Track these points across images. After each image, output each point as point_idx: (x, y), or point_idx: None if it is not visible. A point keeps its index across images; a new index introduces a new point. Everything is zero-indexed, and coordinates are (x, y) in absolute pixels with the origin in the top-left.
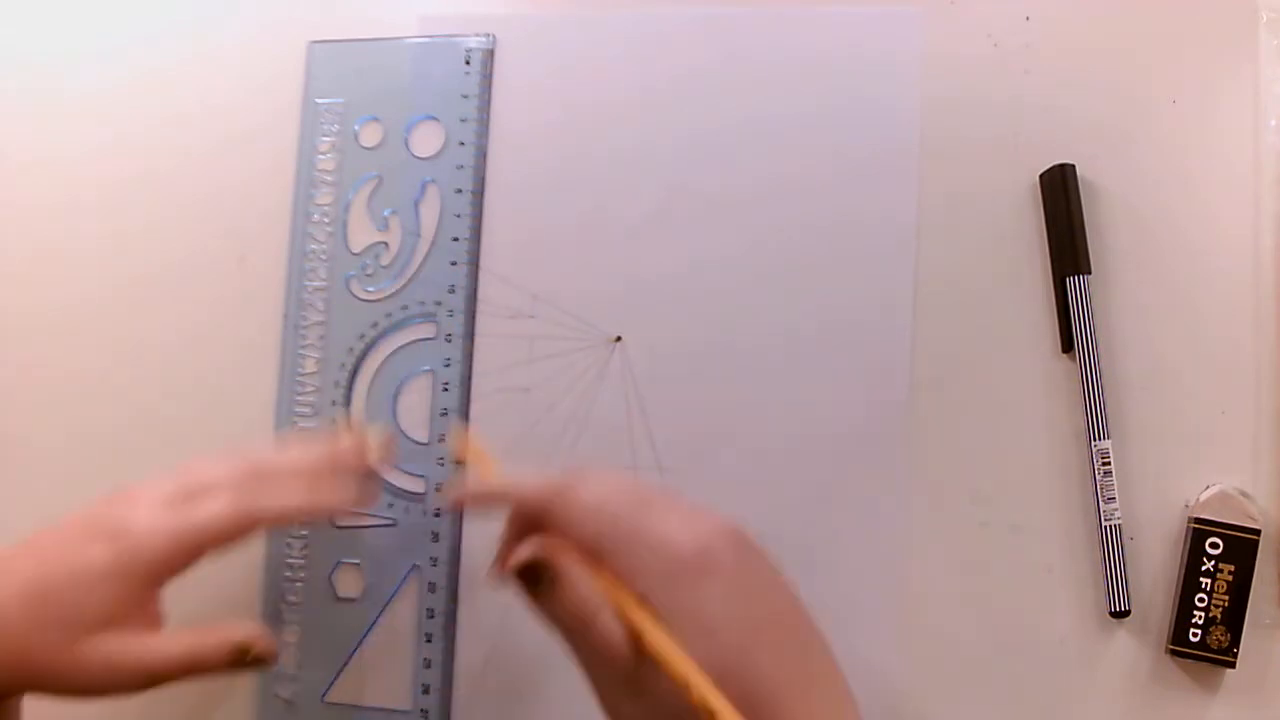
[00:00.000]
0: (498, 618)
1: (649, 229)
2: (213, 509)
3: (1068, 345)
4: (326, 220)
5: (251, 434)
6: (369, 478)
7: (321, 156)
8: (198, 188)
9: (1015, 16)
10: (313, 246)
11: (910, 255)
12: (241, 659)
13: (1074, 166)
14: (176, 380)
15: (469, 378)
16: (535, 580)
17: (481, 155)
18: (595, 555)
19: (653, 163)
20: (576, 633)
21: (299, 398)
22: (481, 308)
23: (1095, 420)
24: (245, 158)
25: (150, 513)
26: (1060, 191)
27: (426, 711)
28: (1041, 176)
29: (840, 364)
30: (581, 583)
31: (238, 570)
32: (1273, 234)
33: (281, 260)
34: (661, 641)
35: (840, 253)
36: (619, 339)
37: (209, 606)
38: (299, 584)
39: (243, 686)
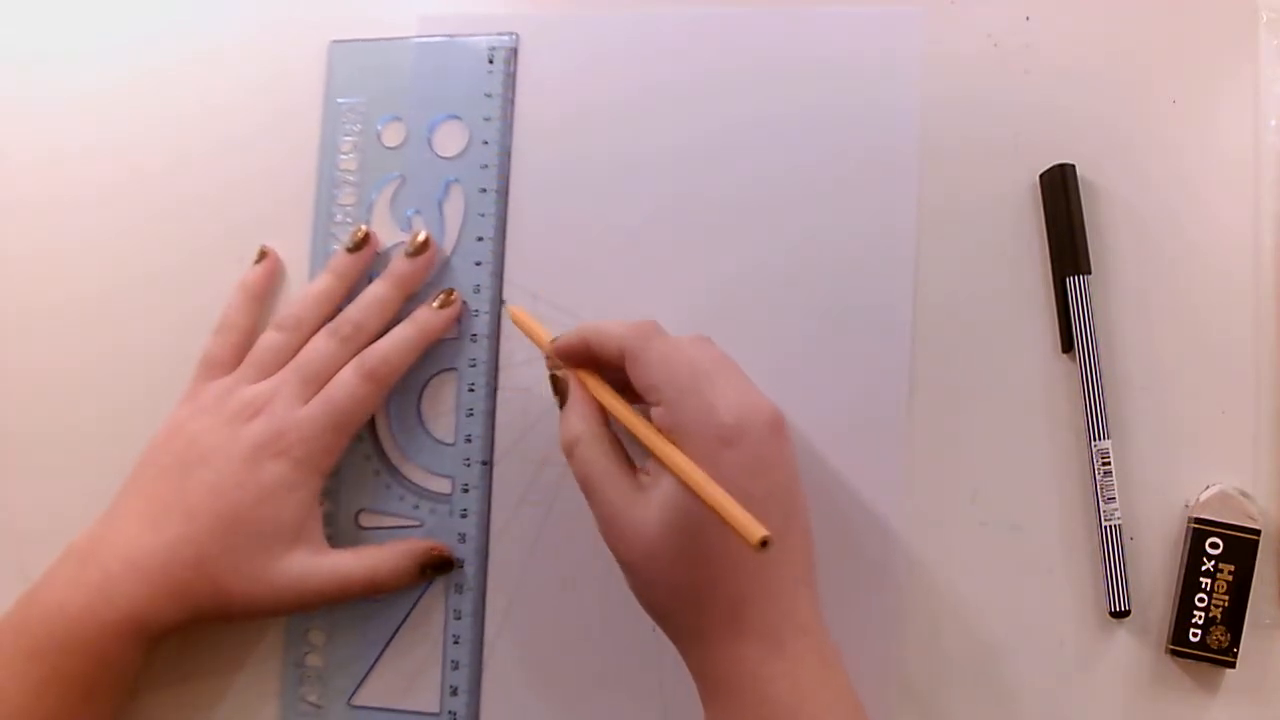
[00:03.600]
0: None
1: (649, 229)
2: (348, 387)
3: (1068, 345)
4: (349, 220)
5: None
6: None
7: (343, 156)
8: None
9: (1015, 16)
10: (335, 247)
11: (910, 255)
12: (427, 569)
13: (1074, 166)
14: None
15: (495, 378)
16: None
17: (505, 154)
18: (651, 400)
19: (653, 164)
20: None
21: None
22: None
23: (1095, 420)
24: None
25: (299, 414)
26: (1060, 191)
27: (454, 714)
28: (1041, 176)
29: (840, 364)
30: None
31: None
32: (1273, 234)
33: (304, 261)
34: (669, 451)
35: (840, 252)
36: None
37: None
38: None
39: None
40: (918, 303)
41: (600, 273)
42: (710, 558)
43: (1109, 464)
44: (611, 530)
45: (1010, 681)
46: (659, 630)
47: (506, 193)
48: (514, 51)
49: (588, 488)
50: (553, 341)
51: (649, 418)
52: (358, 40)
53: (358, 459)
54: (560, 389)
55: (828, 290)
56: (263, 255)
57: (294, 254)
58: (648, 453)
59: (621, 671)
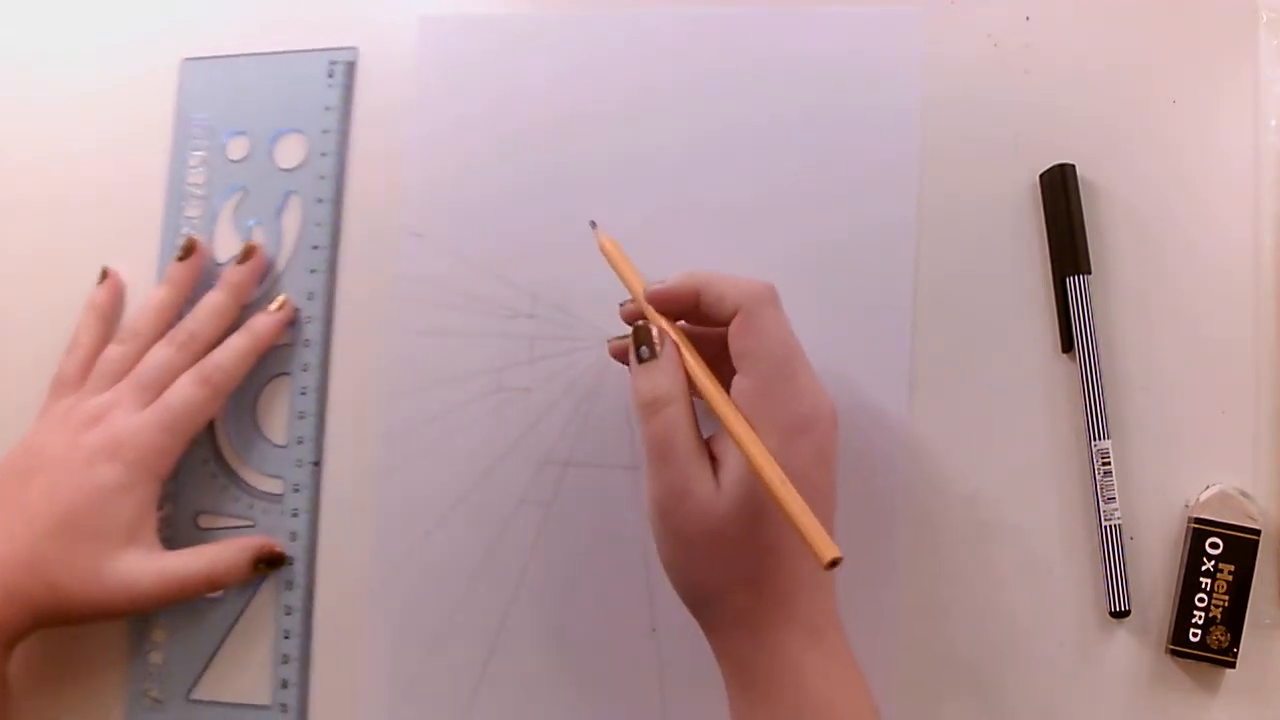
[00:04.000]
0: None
1: (649, 230)
2: (184, 393)
3: (1068, 345)
4: (195, 233)
5: None
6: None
7: (192, 170)
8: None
9: (1015, 16)
10: None
11: (910, 255)
12: (260, 564)
13: (1074, 166)
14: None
15: (326, 382)
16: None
17: (342, 165)
18: (739, 367)
19: (654, 164)
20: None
21: None
22: (481, 307)
23: (1095, 420)
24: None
25: (133, 419)
26: (1060, 191)
27: (285, 705)
28: (1041, 176)
29: (840, 364)
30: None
31: None
32: (1273, 234)
33: (151, 274)
34: (743, 429)
35: (840, 252)
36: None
37: None
38: None
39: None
40: (918, 303)
41: (581, 274)
42: (773, 544)
43: (1109, 464)
44: (677, 504)
45: (1010, 681)
46: (658, 631)
47: (340, 202)
48: (352, 65)
49: (664, 453)
50: (648, 287)
51: (726, 387)
52: (209, 57)
53: (197, 463)
54: (645, 339)
55: (828, 290)
56: (104, 275)
57: (141, 266)
58: (726, 432)
59: (621, 672)
